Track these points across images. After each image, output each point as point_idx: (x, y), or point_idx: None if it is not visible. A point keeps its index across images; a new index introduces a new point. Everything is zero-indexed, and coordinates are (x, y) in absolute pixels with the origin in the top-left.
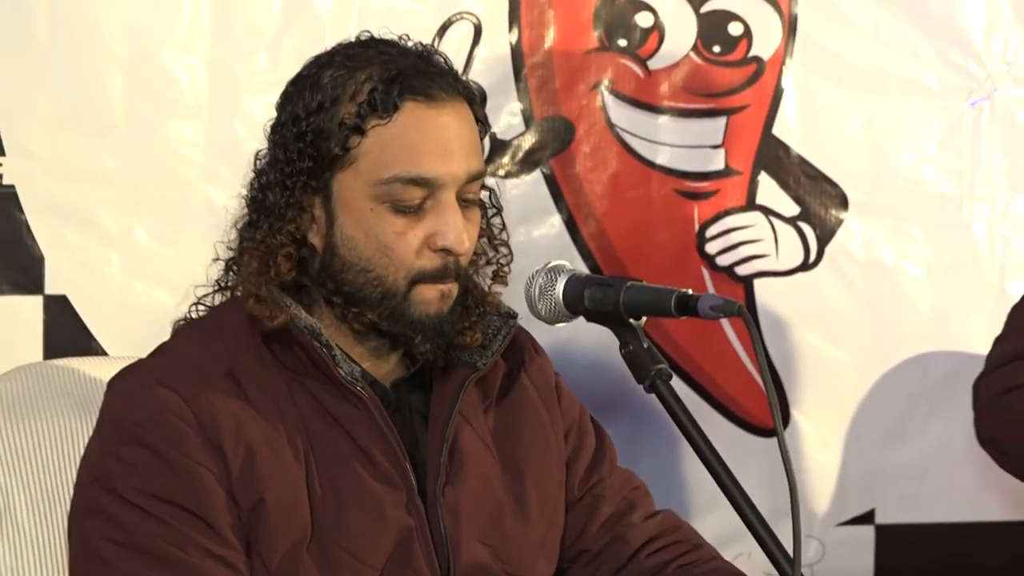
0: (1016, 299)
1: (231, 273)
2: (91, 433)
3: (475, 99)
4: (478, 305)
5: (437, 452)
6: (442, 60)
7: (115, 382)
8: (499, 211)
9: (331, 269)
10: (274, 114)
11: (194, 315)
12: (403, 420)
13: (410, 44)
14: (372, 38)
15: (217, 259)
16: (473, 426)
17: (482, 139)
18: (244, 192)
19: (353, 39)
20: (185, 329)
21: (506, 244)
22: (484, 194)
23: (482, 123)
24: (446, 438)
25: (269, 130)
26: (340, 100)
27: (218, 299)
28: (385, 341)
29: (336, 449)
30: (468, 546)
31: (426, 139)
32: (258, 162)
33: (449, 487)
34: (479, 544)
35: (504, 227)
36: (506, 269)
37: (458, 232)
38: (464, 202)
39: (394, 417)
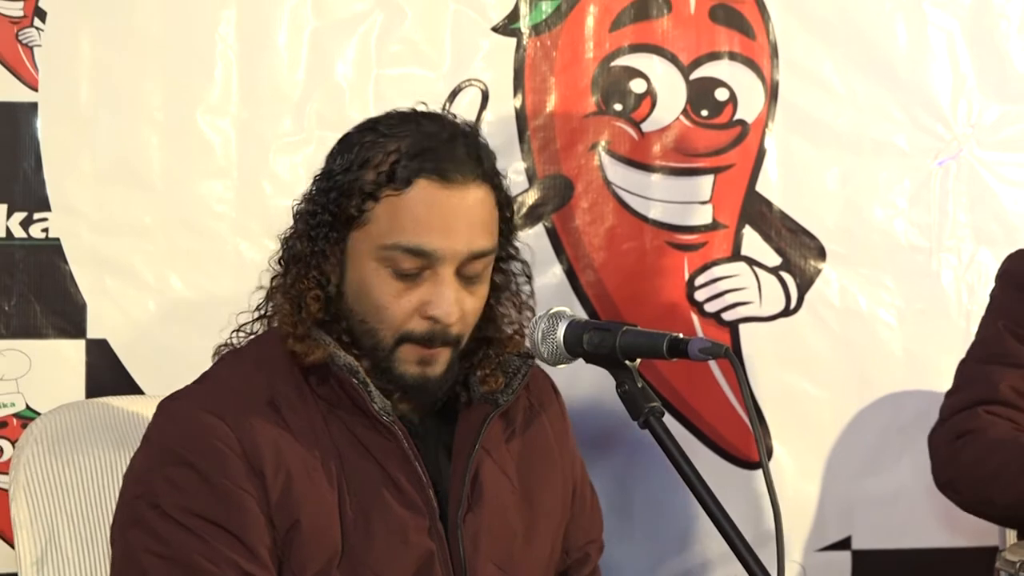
0: None
1: (270, 304)
2: (137, 449)
3: (498, 183)
4: (498, 354)
5: (460, 482)
6: (474, 142)
7: (165, 405)
8: (529, 279)
9: (341, 312)
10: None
11: (235, 341)
12: (428, 450)
13: (456, 121)
14: (418, 112)
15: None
16: (494, 457)
17: (508, 215)
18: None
19: (405, 109)
20: (228, 358)
21: (531, 309)
22: (516, 264)
23: (503, 205)
24: (468, 469)
25: (308, 190)
26: (366, 166)
27: (257, 326)
28: None
29: (366, 476)
30: (484, 569)
31: (431, 215)
32: (294, 212)
33: (470, 514)
34: (494, 567)
35: (532, 294)
36: (526, 331)
37: (449, 304)
38: (466, 278)
39: (420, 447)
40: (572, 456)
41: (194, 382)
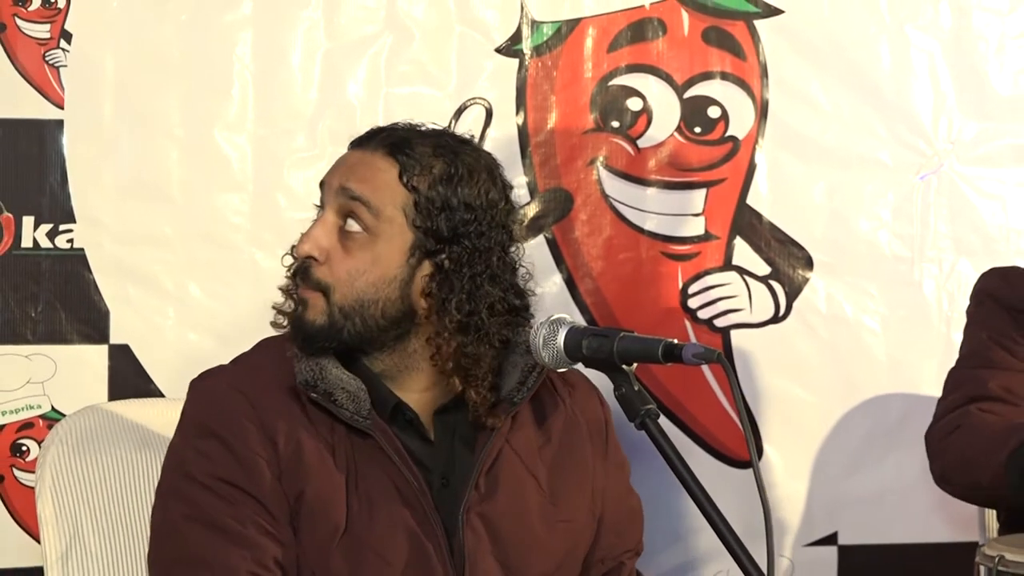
0: None
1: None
2: (162, 448)
3: (404, 161)
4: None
5: (467, 476)
6: (413, 128)
7: (196, 383)
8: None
9: None
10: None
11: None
12: (442, 444)
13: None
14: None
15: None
16: (522, 458)
17: (413, 201)
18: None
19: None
20: (263, 343)
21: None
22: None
23: (411, 187)
24: (477, 465)
25: None
26: None
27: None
28: (388, 372)
29: (371, 468)
30: (484, 562)
31: (338, 163)
32: None
33: (479, 506)
34: (495, 563)
35: (531, 277)
36: (521, 317)
37: (305, 238)
38: (345, 233)
39: (433, 440)
40: (612, 467)
41: (228, 363)
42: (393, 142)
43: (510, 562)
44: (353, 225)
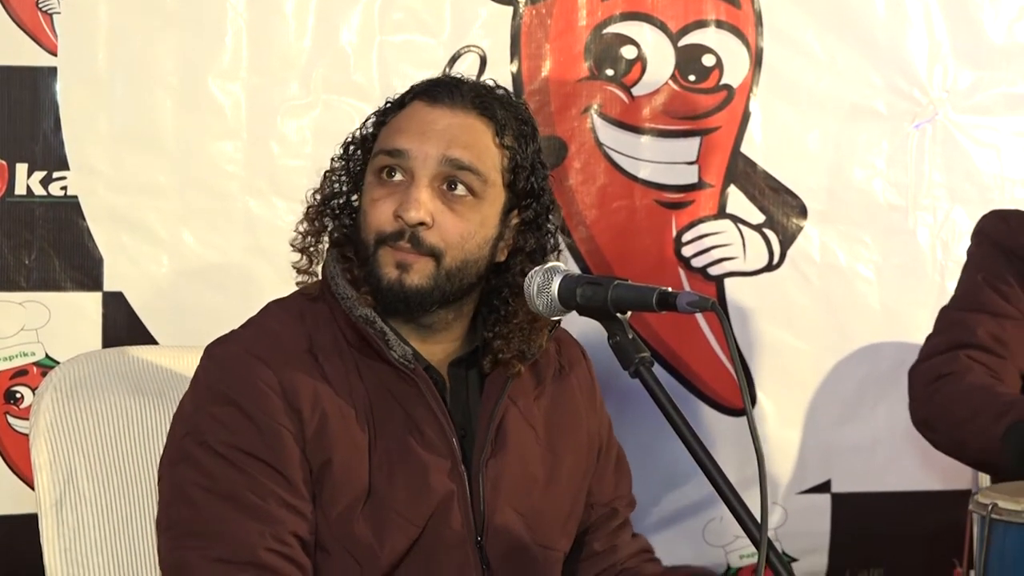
0: None
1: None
2: (185, 392)
3: (497, 121)
4: (514, 315)
5: (485, 428)
6: (484, 87)
7: (212, 349)
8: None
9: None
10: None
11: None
12: (456, 398)
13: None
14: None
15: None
16: (521, 409)
17: (508, 161)
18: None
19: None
20: (273, 307)
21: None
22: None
23: (505, 147)
24: (494, 416)
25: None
26: (389, 111)
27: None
28: (436, 325)
29: (393, 422)
30: (502, 512)
31: (411, 123)
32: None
33: (492, 460)
34: (513, 512)
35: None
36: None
37: (413, 201)
38: (448, 195)
39: (446, 394)
40: (599, 417)
41: (240, 328)
42: (482, 101)
43: (523, 511)
44: (461, 189)
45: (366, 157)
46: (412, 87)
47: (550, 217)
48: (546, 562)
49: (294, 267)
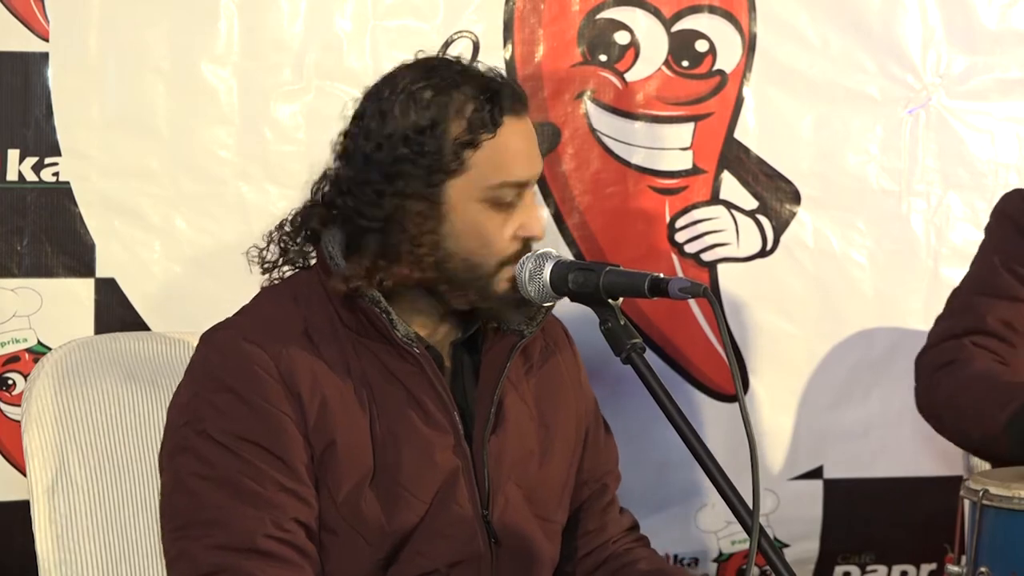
0: (948, 283)
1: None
2: (181, 380)
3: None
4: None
5: (487, 404)
6: (509, 78)
7: (208, 336)
8: None
9: (430, 259)
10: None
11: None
12: (455, 376)
13: (475, 64)
14: (449, 60)
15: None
16: (515, 385)
17: None
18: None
19: (420, 59)
20: (266, 292)
21: None
22: None
23: None
24: (495, 393)
25: (365, 142)
26: (447, 118)
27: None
28: (441, 312)
29: (394, 400)
30: (506, 487)
31: (520, 148)
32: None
33: (494, 436)
34: (515, 486)
35: None
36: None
37: (541, 223)
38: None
39: (445, 373)
40: (585, 394)
41: (235, 315)
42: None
43: (524, 485)
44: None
45: (444, 159)
46: (486, 101)
47: None
48: (547, 534)
49: (264, 264)
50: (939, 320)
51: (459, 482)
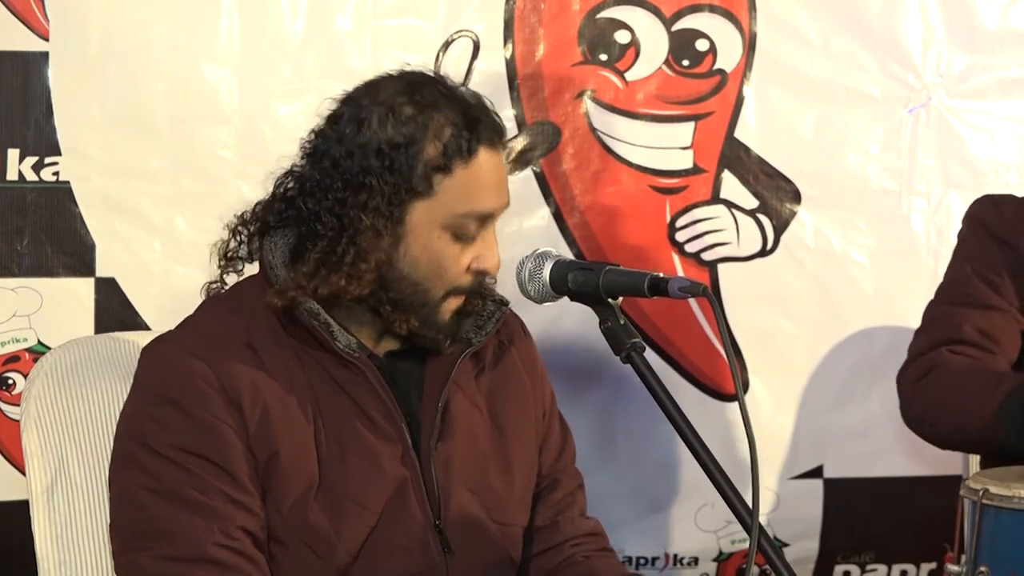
0: None
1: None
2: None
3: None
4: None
5: (431, 413)
6: (489, 103)
7: (149, 349)
8: None
9: (370, 276)
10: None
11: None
12: (400, 385)
13: (459, 88)
14: (435, 78)
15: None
16: (464, 391)
17: None
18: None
19: (405, 72)
20: (208, 304)
21: None
22: None
23: None
24: (440, 400)
25: (336, 146)
26: (423, 139)
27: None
28: (382, 328)
29: (339, 410)
30: (457, 494)
31: (490, 180)
32: (307, 175)
33: (441, 443)
34: (468, 492)
35: None
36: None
37: (497, 259)
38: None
39: (391, 382)
40: (543, 388)
41: (176, 327)
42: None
43: (478, 491)
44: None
45: (413, 180)
46: (464, 128)
47: None
48: (506, 538)
49: (221, 273)
50: (917, 333)
51: (409, 492)
